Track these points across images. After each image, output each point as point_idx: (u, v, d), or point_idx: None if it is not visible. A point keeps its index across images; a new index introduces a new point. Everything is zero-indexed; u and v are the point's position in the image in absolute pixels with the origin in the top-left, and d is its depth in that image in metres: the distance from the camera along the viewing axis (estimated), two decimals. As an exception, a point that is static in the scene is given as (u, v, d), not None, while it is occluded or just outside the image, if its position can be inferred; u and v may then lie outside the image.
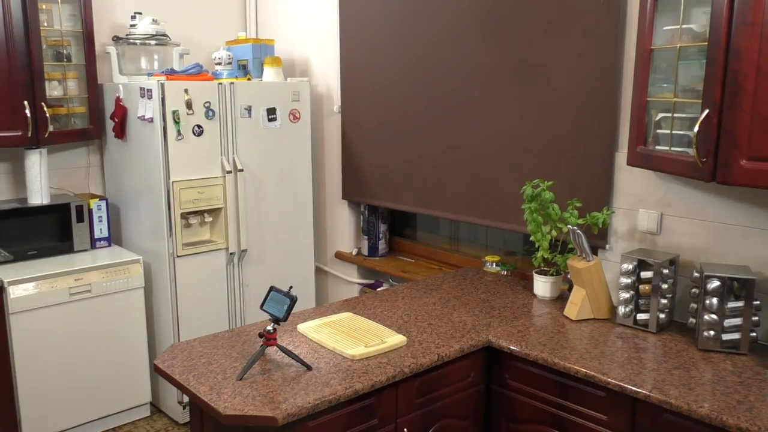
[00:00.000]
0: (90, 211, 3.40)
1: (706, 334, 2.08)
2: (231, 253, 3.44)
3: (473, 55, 2.97)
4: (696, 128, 1.92)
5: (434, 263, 3.49)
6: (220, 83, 3.32)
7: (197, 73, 3.34)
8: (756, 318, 2.05)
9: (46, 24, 3.24)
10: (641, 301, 2.27)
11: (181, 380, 1.88)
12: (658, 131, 2.19)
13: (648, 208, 2.48)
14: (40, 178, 3.27)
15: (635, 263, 2.27)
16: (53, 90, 3.31)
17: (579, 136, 2.63)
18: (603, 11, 2.50)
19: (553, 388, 2.08)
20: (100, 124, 3.50)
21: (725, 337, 2.06)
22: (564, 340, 2.18)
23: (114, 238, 3.56)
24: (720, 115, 1.87)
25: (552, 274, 2.58)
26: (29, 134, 3.13)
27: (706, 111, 1.90)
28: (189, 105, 3.19)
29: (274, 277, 3.55)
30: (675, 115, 2.11)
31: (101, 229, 3.46)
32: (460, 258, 3.38)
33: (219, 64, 3.57)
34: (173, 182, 3.18)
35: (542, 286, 2.60)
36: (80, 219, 3.35)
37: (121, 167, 3.54)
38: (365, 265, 3.65)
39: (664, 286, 2.23)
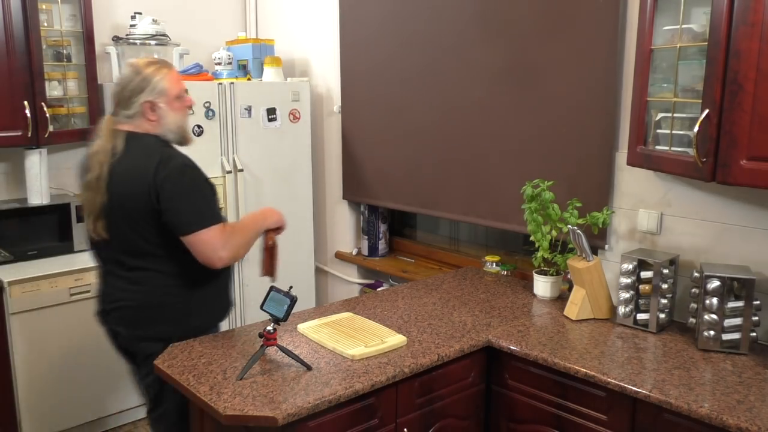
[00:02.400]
0: (90, 211, 3.40)
1: (706, 334, 2.08)
2: (231, 253, 3.43)
3: (473, 55, 2.97)
4: (696, 128, 1.92)
5: (434, 263, 3.49)
6: (220, 83, 3.32)
7: (197, 73, 3.34)
8: (756, 318, 2.05)
9: (46, 24, 3.24)
10: (641, 301, 2.27)
11: (181, 380, 1.88)
12: (658, 131, 2.19)
13: (648, 208, 2.48)
14: (40, 178, 3.27)
15: (635, 263, 2.27)
16: (53, 90, 3.31)
17: (579, 136, 2.63)
18: (603, 11, 2.50)
19: (553, 388, 2.08)
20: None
21: (725, 337, 2.06)
22: (564, 340, 2.18)
23: (114, 238, 3.56)
24: (720, 115, 1.87)
25: (552, 274, 2.58)
26: (29, 134, 3.12)
27: (706, 111, 1.90)
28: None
29: (274, 277, 3.54)
30: (675, 115, 2.11)
31: (101, 229, 3.46)
32: (460, 258, 3.38)
33: (219, 64, 3.57)
34: (173, 182, 3.18)
35: (542, 286, 2.60)
36: (80, 219, 3.35)
37: (121, 167, 3.53)
38: (365, 265, 3.65)
39: (664, 286, 2.23)
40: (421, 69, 3.19)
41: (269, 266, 2.28)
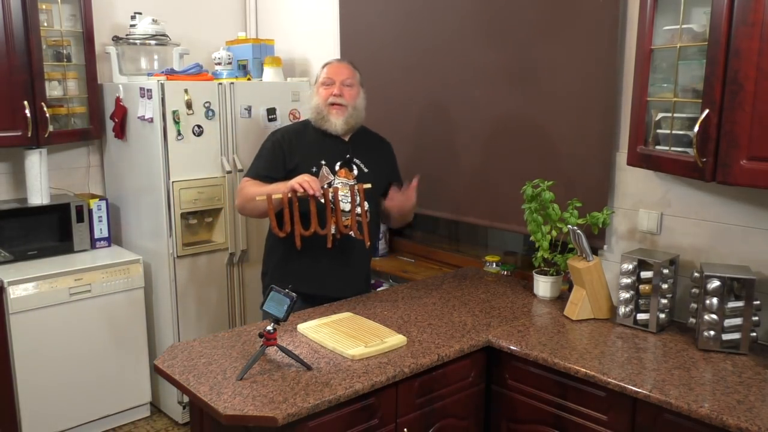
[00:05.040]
0: (90, 211, 3.40)
1: (706, 334, 2.08)
2: (231, 253, 3.44)
3: (473, 55, 2.97)
4: (696, 128, 1.92)
5: (434, 263, 3.49)
6: (220, 83, 3.32)
7: (197, 73, 3.34)
8: (756, 318, 2.05)
9: (46, 24, 3.24)
10: (641, 301, 2.27)
11: (181, 380, 1.88)
12: (658, 131, 2.19)
13: (648, 208, 2.48)
14: (40, 178, 3.27)
15: (635, 263, 2.27)
16: (53, 90, 3.31)
17: (579, 136, 2.63)
18: (603, 11, 2.50)
19: (553, 388, 2.08)
20: (100, 124, 3.50)
21: (725, 337, 2.06)
22: (564, 340, 2.18)
23: (114, 238, 3.56)
24: (720, 115, 1.87)
25: (552, 274, 2.58)
26: (29, 134, 3.13)
27: (706, 111, 1.90)
28: (189, 105, 3.19)
29: (274, 277, 3.54)
30: (675, 115, 2.11)
31: (101, 229, 3.46)
32: (460, 258, 3.37)
33: (219, 64, 3.56)
34: (173, 182, 3.18)
35: (542, 286, 2.60)
36: (80, 219, 3.35)
37: (121, 167, 3.54)
38: (365, 265, 3.64)
39: (664, 286, 2.23)
40: (421, 69, 3.19)
41: (272, 219, 2.37)
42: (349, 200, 2.49)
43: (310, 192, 2.32)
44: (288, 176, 2.44)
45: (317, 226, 2.38)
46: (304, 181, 2.32)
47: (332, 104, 2.53)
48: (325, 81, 2.57)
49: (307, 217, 2.36)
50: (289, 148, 2.54)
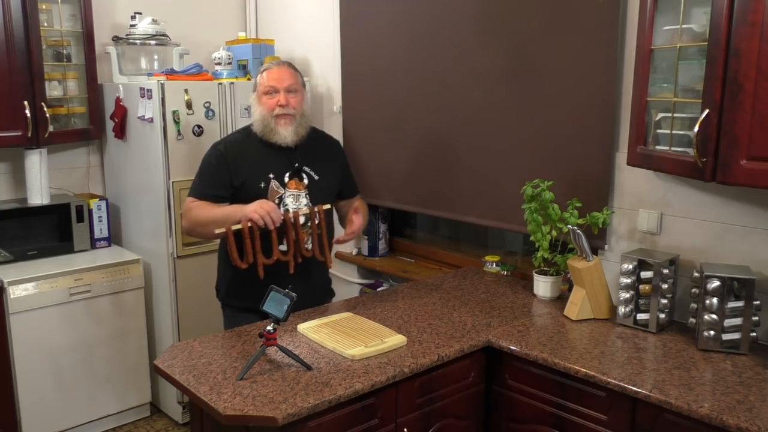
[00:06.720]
0: (90, 211, 3.40)
1: (706, 334, 2.08)
2: (231, 253, 3.43)
3: (473, 55, 2.97)
4: (696, 128, 1.92)
5: (434, 263, 3.49)
6: (220, 83, 3.32)
7: (197, 73, 3.34)
8: (756, 318, 2.05)
9: (46, 24, 3.24)
10: (641, 301, 2.27)
11: (181, 380, 1.88)
12: (658, 131, 2.19)
13: (648, 208, 2.48)
14: (40, 178, 3.27)
15: (635, 263, 2.27)
16: (53, 90, 3.31)
17: (579, 136, 2.63)
18: (603, 11, 2.50)
19: (553, 388, 2.08)
20: (100, 124, 3.50)
21: (725, 337, 2.06)
22: (564, 340, 2.18)
23: (114, 238, 3.56)
24: (720, 115, 1.87)
25: (552, 274, 2.58)
26: (29, 134, 3.13)
27: (706, 111, 1.90)
28: (189, 105, 3.19)
29: (274, 277, 3.54)
30: (675, 115, 2.11)
31: (101, 229, 3.46)
32: (460, 258, 3.38)
33: (219, 64, 3.56)
34: (173, 182, 3.19)
35: (542, 286, 2.60)
36: (80, 219, 3.35)
37: (121, 167, 3.54)
38: (365, 265, 3.65)
39: (664, 286, 2.23)
40: (422, 68, 3.19)
41: (232, 251, 2.26)
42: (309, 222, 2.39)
43: (271, 227, 2.24)
44: (236, 193, 2.37)
45: (279, 252, 2.31)
46: (265, 213, 2.22)
47: (278, 115, 2.40)
48: (268, 90, 2.42)
49: (267, 243, 2.28)
50: (235, 164, 2.40)
